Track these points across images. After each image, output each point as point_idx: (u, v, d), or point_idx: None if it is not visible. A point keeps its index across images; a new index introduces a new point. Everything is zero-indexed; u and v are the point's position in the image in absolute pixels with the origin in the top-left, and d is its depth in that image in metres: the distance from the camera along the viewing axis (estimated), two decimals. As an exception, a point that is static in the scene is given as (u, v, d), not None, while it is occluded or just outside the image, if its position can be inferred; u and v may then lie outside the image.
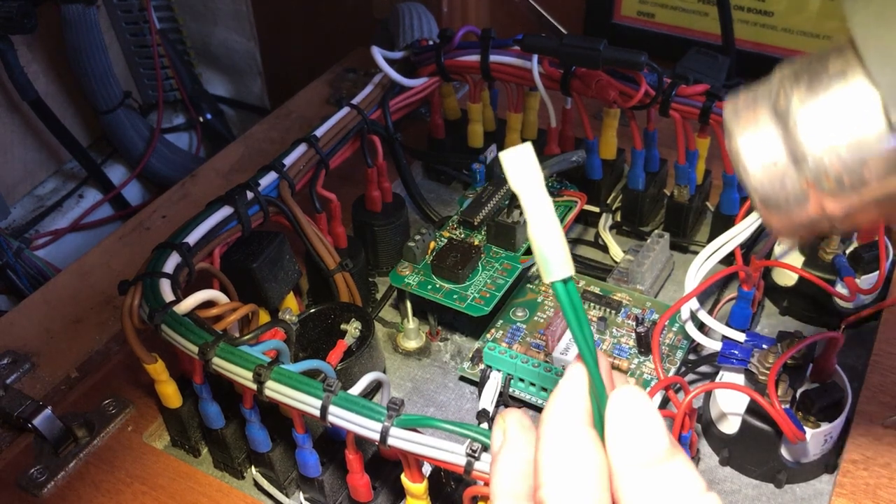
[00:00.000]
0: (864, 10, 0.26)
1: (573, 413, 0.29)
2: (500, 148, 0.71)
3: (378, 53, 0.67)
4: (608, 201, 0.70)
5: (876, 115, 0.26)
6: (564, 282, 0.28)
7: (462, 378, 0.58)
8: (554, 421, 0.29)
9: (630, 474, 0.27)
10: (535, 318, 0.58)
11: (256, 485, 0.52)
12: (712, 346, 0.52)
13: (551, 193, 0.64)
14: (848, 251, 0.57)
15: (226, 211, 0.54)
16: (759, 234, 0.61)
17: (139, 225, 0.71)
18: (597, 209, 0.68)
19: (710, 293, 0.61)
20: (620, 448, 0.28)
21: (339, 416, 0.40)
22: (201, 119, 1.09)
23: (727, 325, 0.52)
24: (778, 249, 0.60)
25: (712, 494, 0.27)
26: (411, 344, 0.61)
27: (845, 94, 0.27)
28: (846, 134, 0.27)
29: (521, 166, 0.28)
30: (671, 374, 0.54)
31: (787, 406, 0.48)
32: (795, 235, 0.33)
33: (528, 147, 0.28)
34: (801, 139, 0.28)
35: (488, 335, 0.57)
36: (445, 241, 0.61)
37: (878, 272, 0.56)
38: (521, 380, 0.54)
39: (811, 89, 0.28)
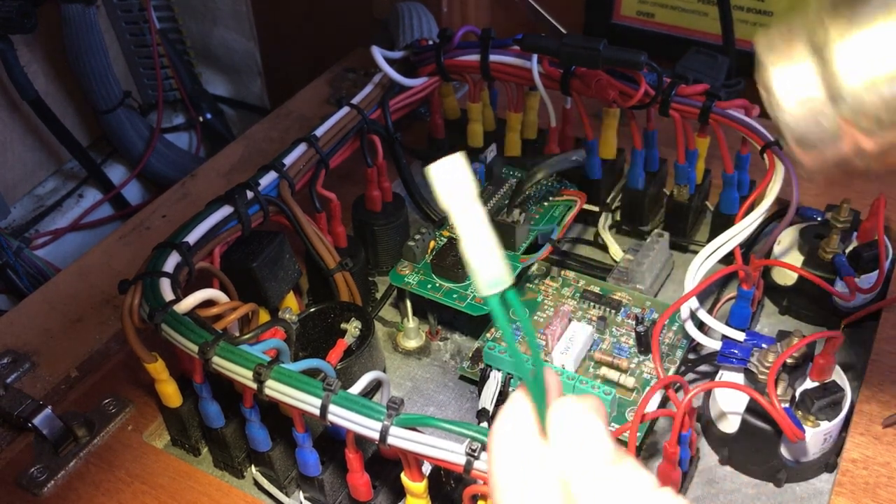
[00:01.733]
0: None
1: (521, 426, 0.29)
2: (501, 148, 0.71)
3: (378, 53, 0.67)
4: (608, 201, 0.70)
5: None
6: (500, 295, 0.27)
7: (462, 377, 0.59)
8: (500, 436, 0.29)
9: (578, 483, 0.27)
10: (535, 317, 0.58)
11: (256, 484, 0.52)
12: (712, 345, 0.52)
13: (552, 193, 0.64)
14: (847, 250, 0.57)
15: (226, 210, 0.54)
16: (759, 234, 0.61)
17: (139, 225, 0.71)
18: (596, 209, 0.68)
19: (709, 292, 0.61)
20: (565, 460, 0.28)
21: (339, 416, 0.40)
22: (201, 119, 1.09)
23: (727, 324, 0.52)
24: (777, 249, 0.60)
25: (665, 489, 0.27)
26: (411, 343, 0.61)
27: (889, 26, 0.26)
28: (887, 69, 0.26)
29: (450, 177, 0.26)
30: (671, 373, 0.54)
31: (787, 405, 0.48)
32: (826, 173, 0.32)
33: (458, 157, 0.27)
34: (839, 74, 0.26)
35: (488, 334, 0.57)
36: (445, 240, 0.61)
37: (877, 271, 0.56)
38: (521, 379, 0.54)
39: (851, 21, 0.26)
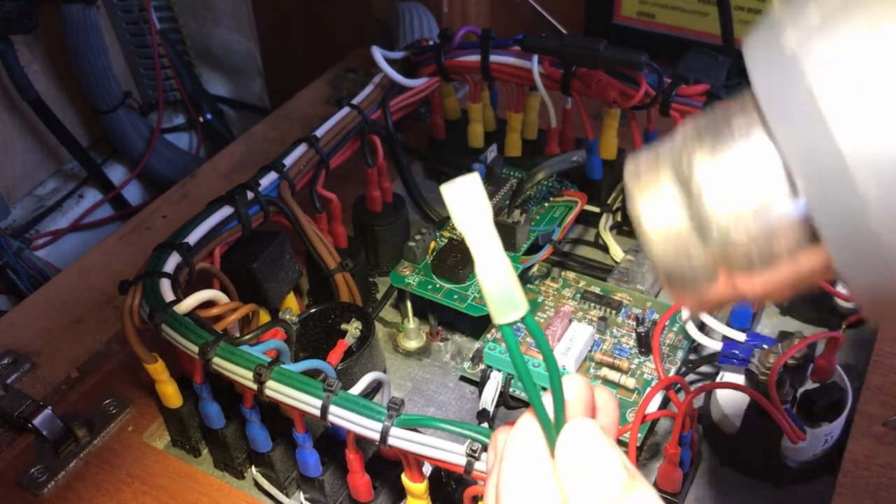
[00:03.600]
0: (766, 69, 0.23)
1: (534, 444, 0.28)
2: (501, 148, 0.71)
3: (378, 53, 0.67)
4: (608, 201, 0.70)
5: (779, 179, 0.23)
6: (512, 324, 0.26)
7: (462, 378, 0.58)
8: (514, 451, 0.29)
9: None
10: (536, 318, 0.58)
11: (257, 485, 0.52)
12: (713, 345, 0.52)
13: (552, 193, 0.64)
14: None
15: (226, 211, 0.54)
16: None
17: (139, 225, 0.71)
18: (597, 209, 0.68)
19: (710, 293, 0.61)
20: (576, 491, 0.27)
21: (340, 416, 0.40)
22: (201, 119, 1.09)
23: (728, 324, 0.52)
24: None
25: None
26: (412, 344, 0.61)
27: (748, 155, 0.23)
28: (751, 200, 0.23)
29: (466, 200, 0.25)
30: (672, 374, 0.54)
31: (788, 406, 0.48)
32: (708, 311, 0.29)
33: (474, 178, 0.25)
34: (704, 205, 0.24)
35: (489, 335, 0.57)
36: (446, 241, 0.61)
37: (878, 272, 0.56)
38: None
39: (714, 149, 0.24)
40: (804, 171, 0.22)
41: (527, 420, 0.29)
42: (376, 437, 0.39)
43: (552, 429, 0.28)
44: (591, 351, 0.55)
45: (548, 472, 0.28)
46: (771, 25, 0.23)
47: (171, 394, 0.51)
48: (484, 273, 0.26)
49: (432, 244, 0.60)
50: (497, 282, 0.26)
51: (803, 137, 0.21)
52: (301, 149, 0.60)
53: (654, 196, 0.26)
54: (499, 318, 0.26)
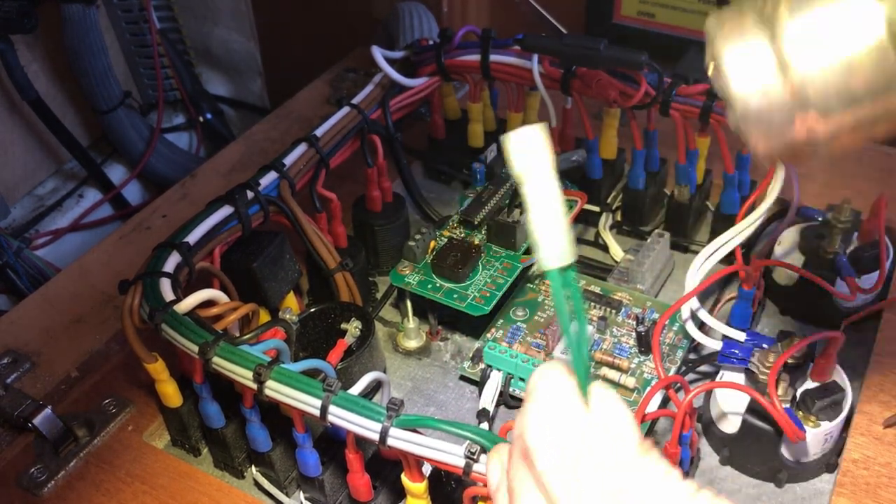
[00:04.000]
0: None
1: (564, 394, 0.30)
2: (501, 148, 0.71)
3: (378, 53, 0.67)
4: (608, 201, 0.70)
5: (877, 27, 0.24)
6: (562, 271, 0.27)
7: (462, 378, 0.58)
8: (544, 398, 0.30)
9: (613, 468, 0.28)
10: (536, 317, 0.58)
11: (257, 484, 0.52)
12: (713, 345, 0.52)
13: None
14: (848, 251, 0.57)
15: (226, 210, 0.54)
16: (760, 234, 0.61)
17: (139, 225, 0.71)
18: (597, 209, 0.68)
19: (710, 292, 0.61)
20: (602, 438, 0.29)
21: (339, 416, 0.40)
22: (201, 119, 1.09)
23: (727, 324, 0.52)
24: (778, 249, 0.60)
25: (674, 474, 0.28)
26: (411, 343, 0.61)
27: (836, 11, 0.24)
28: (840, 46, 0.24)
29: (528, 148, 0.26)
30: (671, 373, 0.54)
31: (788, 405, 0.48)
32: (776, 156, 0.30)
33: (538, 128, 0.26)
34: (788, 48, 0.25)
35: (488, 335, 0.57)
36: (446, 240, 0.61)
37: (878, 271, 0.56)
38: (522, 379, 0.54)
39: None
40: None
41: (557, 370, 0.30)
42: (375, 437, 0.39)
43: (587, 375, 0.29)
44: (590, 350, 0.55)
45: (579, 413, 0.29)
46: None
47: (170, 393, 0.51)
48: (536, 217, 0.27)
49: (432, 244, 0.60)
50: (548, 227, 0.27)
51: None
52: (301, 148, 0.60)
53: (738, 37, 0.26)
54: (546, 263, 0.27)
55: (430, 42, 0.70)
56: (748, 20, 0.26)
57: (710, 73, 0.29)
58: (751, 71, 0.26)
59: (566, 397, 0.29)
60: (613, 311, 0.58)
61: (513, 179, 0.66)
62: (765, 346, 0.49)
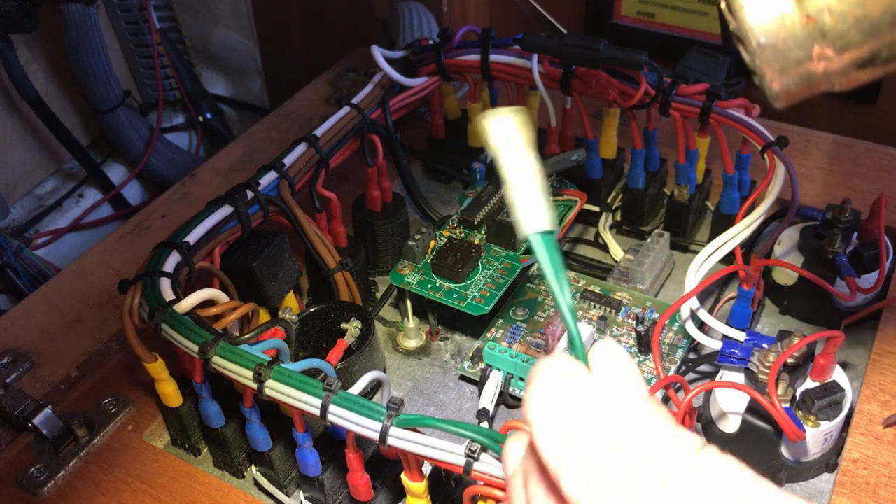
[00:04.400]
0: None
1: (565, 364, 0.30)
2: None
3: (378, 53, 0.67)
4: (608, 201, 0.70)
5: None
6: (543, 236, 0.28)
7: (462, 377, 0.58)
8: (547, 369, 0.30)
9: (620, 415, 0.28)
10: (536, 317, 0.58)
11: (256, 484, 0.52)
12: (712, 345, 0.52)
13: (552, 193, 0.64)
14: (848, 250, 0.57)
15: (226, 210, 0.54)
16: (760, 234, 0.61)
17: (139, 224, 0.71)
18: (597, 208, 0.68)
19: (710, 292, 0.61)
20: (607, 392, 0.28)
21: (339, 416, 0.40)
22: (201, 119, 1.08)
23: (727, 324, 0.52)
24: (778, 249, 0.60)
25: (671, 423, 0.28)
26: (411, 343, 0.61)
27: None
28: None
29: (504, 127, 0.28)
30: (671, 373, 0.54)
31: (788, 405, 0.48)
32: (791, 92, 0.29)
33: (517, 111, 0.28)
34: None
35: (488, 334, 0.57)
36: (445, 240, 0.61)
37: (878, 271, 0.56)
38: (522, 379, 0.54)
39: None
40: None
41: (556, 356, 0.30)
42: (375, 436, 0.39)
43: (583, 350, 0.30)
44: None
45: (579, 376, 0.29)
46: None
47: (170, 393, 0.51)
48: (514, 188, 0.28)
49: (432, 243, 0.60)
50: (525, 197, 0.28)
51: None
52: (301, 148, 0.60)
53: None
54: (525, 228, 0.28)
55: (430, 42, 0.70)
56: None
57: (722, 6, 0.28)
58: (770, 4, 0.26)
59: (565, 367, 0.29)
60: (613, 311, 0.58)
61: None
62: (764, 345, 0.49)
